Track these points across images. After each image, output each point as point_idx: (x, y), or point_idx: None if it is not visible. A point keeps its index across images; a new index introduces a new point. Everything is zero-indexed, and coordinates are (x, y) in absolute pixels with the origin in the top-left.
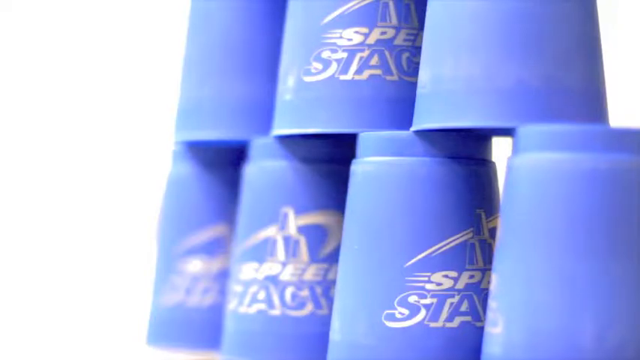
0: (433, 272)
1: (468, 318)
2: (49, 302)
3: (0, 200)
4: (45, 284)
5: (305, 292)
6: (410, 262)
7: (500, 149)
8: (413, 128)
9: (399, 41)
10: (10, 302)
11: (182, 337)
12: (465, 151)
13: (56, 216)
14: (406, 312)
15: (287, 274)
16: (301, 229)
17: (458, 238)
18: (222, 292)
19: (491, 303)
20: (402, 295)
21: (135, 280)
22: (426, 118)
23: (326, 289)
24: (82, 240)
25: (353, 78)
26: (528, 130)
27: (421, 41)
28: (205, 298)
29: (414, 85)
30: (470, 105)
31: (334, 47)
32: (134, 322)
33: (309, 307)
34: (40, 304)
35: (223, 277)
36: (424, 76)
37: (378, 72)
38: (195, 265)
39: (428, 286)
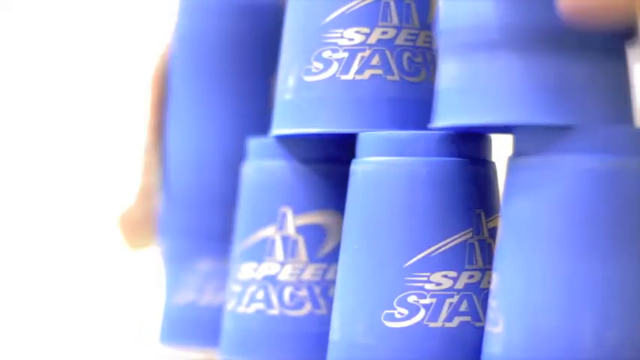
0: (432, 272)
1: (467, 318)
2: (60, 301)
3: (9, 197)
4: (56, 283)
5: (303, 292)
6: (409, 262)
7: (500, 149)
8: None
9: (400, 41)
10: (18, 301)
11: (194, 335)
12: (465, 151)
13: (67, 214)
14: (405, 312)
15: (285, 274)
16: (300, 229)
17: (457, 238)
18: None
19: (492, 302)
20: (402, 295)
21: (147, 279)
22: (450, 116)
23: (324, 289)
24: (94, 238)
25: (354, 78)
26: (524, 131)
27: (422, 41)
28: (217, 296)
29: (415, 85)
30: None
31: (335, 47)
32: (146, 321)
33: (307, 307)
34: (51, 303)
35: None
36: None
37: (379, 72)
38: (208, 264)
39: (427, 286)
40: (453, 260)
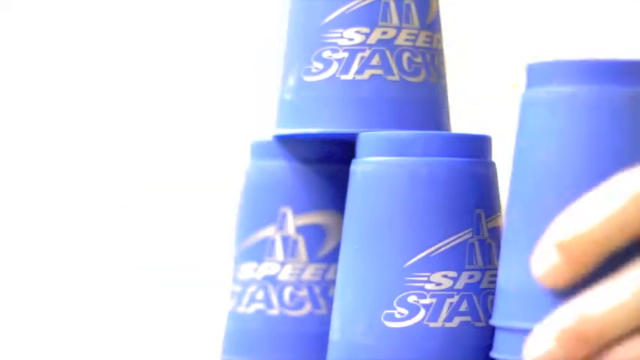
0: (432, 272)
1: (467, 318)
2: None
3: (10, 198)
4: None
5: (303, 292)
6: (409, 262)
7: (500, 149)
8: None
9: (400, 41)
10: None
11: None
12: (465, 151)
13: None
14: (405, 312)
15: (285, 274)
16: (300, 229)
17: (457, 238)
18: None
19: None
20: (402, 295)
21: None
22: None
23: (324, 289)
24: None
25: (354, 78)
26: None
27: (422, 41)
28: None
29: (415, 85)
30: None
31: (335, 47)
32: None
33: (307, 307)
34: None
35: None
36: None
37: (379, 72)
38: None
39: (427, 286)
40: (453, 260)
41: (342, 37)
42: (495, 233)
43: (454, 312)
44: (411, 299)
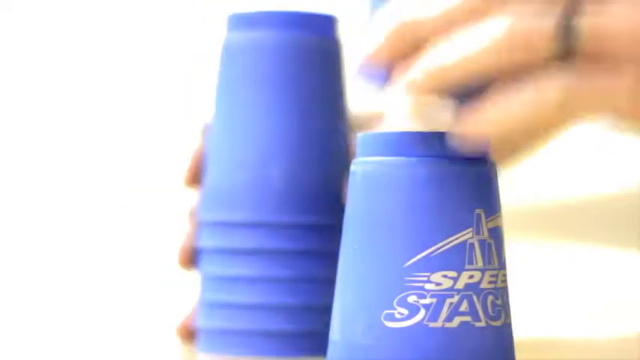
0: (432, 272)
1: (467, 318)
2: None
3: (12, 198)
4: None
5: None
6: (409, 262)
7: None
8: None
9: None
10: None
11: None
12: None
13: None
14: (405, 312)
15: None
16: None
17: (457, 238)
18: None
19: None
20: (402, 295)
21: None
22: None
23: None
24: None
25: None
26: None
27: None
28: None
29: None
30: None
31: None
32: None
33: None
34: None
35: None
36: None
37: None
38: None
39: (427, 286)
40: (453, 260)
41: None
42: (495, 233)
43: (454, 312)
44: (411, 299)
